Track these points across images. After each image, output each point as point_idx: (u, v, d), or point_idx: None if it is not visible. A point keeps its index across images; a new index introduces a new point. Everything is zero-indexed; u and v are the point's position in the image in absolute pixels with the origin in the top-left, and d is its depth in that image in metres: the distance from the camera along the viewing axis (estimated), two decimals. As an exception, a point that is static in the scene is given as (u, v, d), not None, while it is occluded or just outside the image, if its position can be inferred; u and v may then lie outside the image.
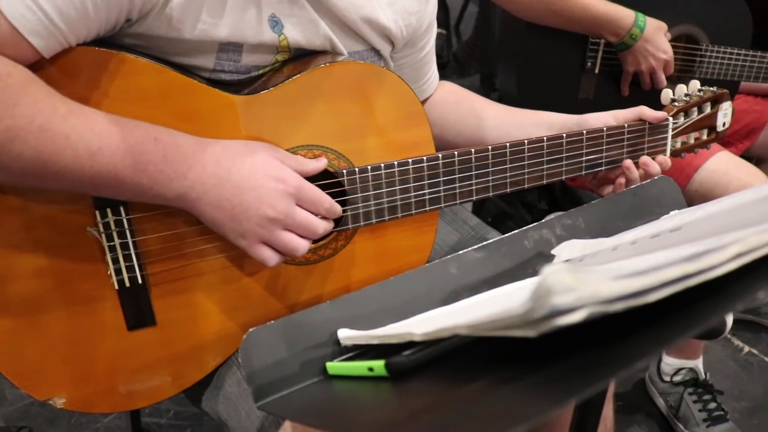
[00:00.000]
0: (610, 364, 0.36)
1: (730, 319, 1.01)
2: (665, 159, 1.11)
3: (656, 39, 1.52)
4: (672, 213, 0.90)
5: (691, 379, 1.80)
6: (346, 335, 0.68)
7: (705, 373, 1.81)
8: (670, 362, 1.83)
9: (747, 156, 2.09)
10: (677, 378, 1.81)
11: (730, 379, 1.97)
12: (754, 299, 0.38)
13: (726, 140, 1.88)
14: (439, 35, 3.66)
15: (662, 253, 0.43)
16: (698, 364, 1.81)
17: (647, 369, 1.92)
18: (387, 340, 0.60)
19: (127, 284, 0.84)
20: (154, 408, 1.79)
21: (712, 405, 1.75)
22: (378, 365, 0.57)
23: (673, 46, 1.60)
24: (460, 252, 0.79)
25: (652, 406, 1.87)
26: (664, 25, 1.54)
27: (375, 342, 0.63)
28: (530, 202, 2.32)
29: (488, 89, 2.07)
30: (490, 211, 2.35)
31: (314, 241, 0.85)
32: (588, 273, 0.35)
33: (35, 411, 1.78)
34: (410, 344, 0.58)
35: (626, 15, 1.50)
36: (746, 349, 2.08)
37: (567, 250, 0.83)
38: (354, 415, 0.55)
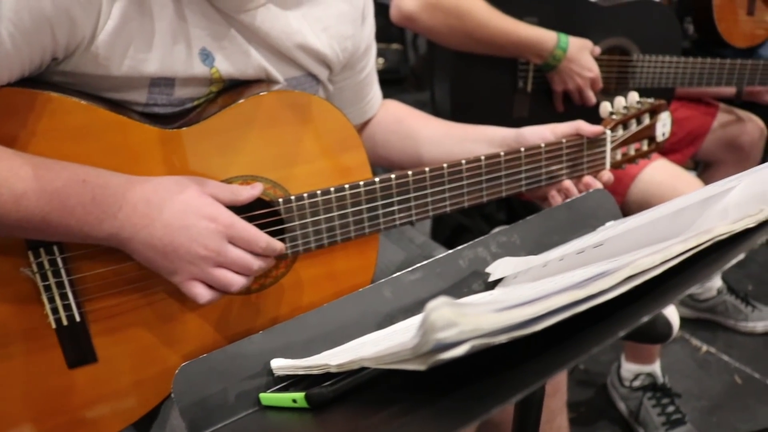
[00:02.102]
0: (495, 395, 0.37)
1: (676, 323, 1.03)
2: (609, 175, 1.13)
3: (580, 58, 1.56)
4: (608, 224, 0.92)
5: (649, 383, 1.83)
6: (279, 365, 0.69)
7: (663, 376, 1.85)
8: (628, 368, 1.86)
9: (694, 162, 2.15)
10: (636, 383, 1.84)
11: (689, 378, 2.00)
12: (637, 322, 0.40)
13: (671, 148, 1.92)
14: (394, 51, 3.70)
15: (553, 281, 0.44)
16: (655, 368, 1.84)
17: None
18: (310, 370, 0.60)
19: (65, 323, 0.83)
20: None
21: (671, 408, 1.78)
22: (300, 397, 0.57)
23: (606, 60, 1.63)
24: (395, 275, 0.80)
25: (614, 411, 1.89)
26: (588, 43, 1.57)
27: (301, 372, 0.63)
28: (489, 213, 2.34)
29: (435, 105, 2.10)
30: (448, 224, 2.37)
31: None
32: (470, 307, 0.36)
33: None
34: (333, 375, 0.59)
35: (548, 38, 1.53)
36: (704, 348, 2.12)
37: (501, 268, 0.84)
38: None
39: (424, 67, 3.55)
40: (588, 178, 1.10)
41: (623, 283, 0.44)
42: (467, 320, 0.36)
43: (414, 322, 0.68)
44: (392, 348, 0.41)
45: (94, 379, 0.87)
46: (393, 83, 3.49)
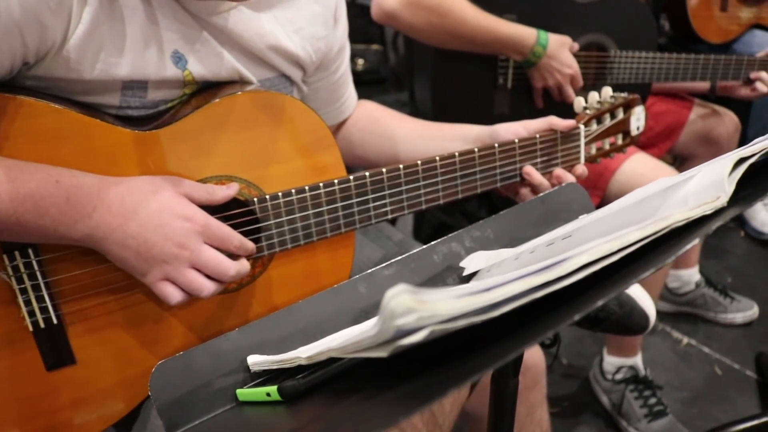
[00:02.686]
0: (453, 377, 0.38)
1: (653, 314, 1.05)
2: (583, 168, 1.14)
3: (560, 55, 1.57)
4: (581, 217, 0.93)
5: (631, 376, 1.85)
6: (255, 361, 0.70)
7: (645, 369, 1.87)
8: (610, 361, 1.88)
9: (672, 156, 2.17)
10: (618, 376, 1.86)
11: (671, 371, 2.03)
12: (593, 306, 0.41)
13: (648, 142, 1.95)
14: (375, 52, 3.71)
15: (516, 271, 0.45)
16: (637, 361, 1.87)
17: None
18: (282, 364, 0.61)
19: (42, 325, 0.84)
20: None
21: (653, 400, 1.80)
22: (272, 390, 0.58)
23: (585, 56, 1.65)
24: (370, 270, 0.81)
25: (597, 404, 1.91)
26: (567, 40, 1.59)
27: (274, 367, 0.64)
28: (470, 211, 2.36)
29: (416, 104, 2.11)
30: (430, 222, 2.38)
31: None
32: (429, 293, 0.37)
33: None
34: (305, 368, 0.60)
35: (528, 34, 1.55)
36: (685, 340, 2.15)
37: (474, 262, 0.85)
38: (259, 428, 0.57)
39: (406, 67, 3.56)
40: (559, 171, 1.11)
41: (580, 270, 0.45)
42: (425, 306, 0.37)
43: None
44: (355, 337, 0.42)
45: (73, 381, 0.88)
46: (373, 84, 3.50)
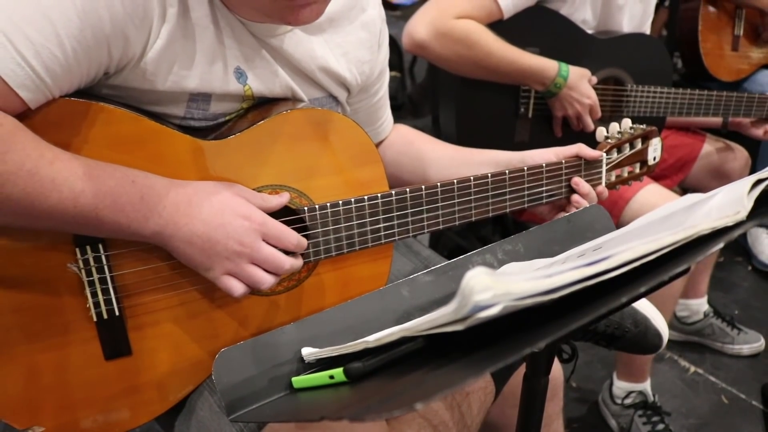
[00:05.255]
0: (517, 345, 0.45)
1: (665, 334, 1.10)
2: (603, 188, 1.21)
3: (580, 86, 1.65)
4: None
5: (640, 401, 1.90)
6: (310, 352, 0.76)
7: (654, 395, 1.92)
8: (620, 386, 1.93)
9: (682, 189, 2.24)
10: (628, 401, 1.90)
11: (678, 398, 2.07)
12: (637, 292, 0.48)
13: (661, 174, 2.02)
14: (393, 78, 3.80)
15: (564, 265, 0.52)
16: (646, 386, 1.91)
17: (600, 391, 2.01)
18: (345, 350, 0.68)
19: (105, 316, 0.90)
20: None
21: (661, 426, 1.85)
22: (337, 372, 0.65)
23: (602, 89, 1.73)
24: (411, 276, 0.88)
25: (606, 428, 1.95)
26: (587, 73, 1.67)
27: (335, 354, 0.70)
28: (485, 236, 2.43)
29: (439, 129, 2.19)
30: (446, 245, 2.45)
31: None
32: (503, 275, 0.44)
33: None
34: (364, 356, 0.66)
35: (550, 66, 1.63)
36: (692, 369, 2.20)
37: (508, 272, 0.92)
38: (317, 407, 0.63)
39: (422, 94, 3.66)
40: (575, 196, 1.18)
41: (623, 266, 0.52)
42: (500, 286, 0.43)
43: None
44: (431, 316, 0.48)
45: (127, 371, 0.94)
46: (391, 109, 3.58)
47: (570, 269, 0.48)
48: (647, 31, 1.90)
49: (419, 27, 1.60)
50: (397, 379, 0.57)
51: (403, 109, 3.68)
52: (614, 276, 0.51)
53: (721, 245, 0.55)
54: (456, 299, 0.45)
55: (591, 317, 0.47)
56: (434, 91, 2.14)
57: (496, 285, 0.43)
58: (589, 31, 1.75)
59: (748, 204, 0.63)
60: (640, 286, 0.49)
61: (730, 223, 0.61)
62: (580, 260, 0.80)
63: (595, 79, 1.69)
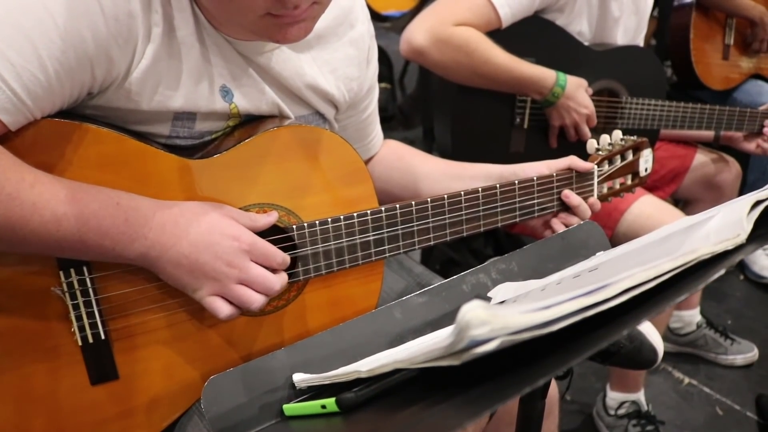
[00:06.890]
0: (515, 383, 0.43)
1: (661, 348, 1.09)
2: (595, 200, 1.20)
3: (577, 95, 1.65)
4: (598, 254, 0.99)
5: (634, 411, 1.89)
6: (301, 378, 0.74)
7: (647, 405, 1.91)
8: (614, 396, 1.92)
9: (674, 199, 2.24)
10: (621, 411, 1.89)
11: (672, 409, 2.06)
12: (638, 323, 0.46)
13: (653, 185, 2.01)
14: (383, 90, 3.80)
15: (561, 295, 0.51)
16: (640, 396, 1.91)
17: (595, 404, 2.00)
18: (337, 379, 0.66)
19: (90, 340, 0.88)
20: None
21: (655, 435, 1.84)
22: (330, 402, 0.63)
23: (597, 100, 1.73)
24: (404, 298, 0.86)
25: (600, 440, 1.95)
26: (584, 82, 1.67)
27: (327, 382, 0.69)
28: (477, 248, 2.41)
29: (431, 141, 2.18)
30: (438, 258, 2.43)
31: None
32: (500, 309, 0.43)
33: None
34: (357, 384, 0.64)
35: (548, 75, 1.63)
36: (686, 380, 2.19)
37: (502, 292, 0.90)
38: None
39: (412, 105, 3.65)
40: (562, 214, 1.17)
41: (622, 294, 0.50)
42: (497, 320, 0.42)
43: (429, 338, 0.74)
44: (425, 349, 0.47)
45: (115, 395, 0.92)
46: (381, 121, 3.56)
47: (568, 300, 0.46)
48: (641, 44, 1.90)
49: (418, 33, 1.59)
50: (391, 414, 0.55)
51: (393, 121, 3.67)
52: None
53: (722, 272, 0.54)
54: (452, 334, 0.43)
55: (591, 351, 0.45)
56: (426, 102, 2.13)
57: (493, 319, 0.42)
58: (585, 43, 1.75)
59: (747, 226, 0.62)
60: (641, 314, 0.48)
61: (731, 247, 0.60)
62: (576, 283, 0.78)
63: (590, 91, 1.69)
